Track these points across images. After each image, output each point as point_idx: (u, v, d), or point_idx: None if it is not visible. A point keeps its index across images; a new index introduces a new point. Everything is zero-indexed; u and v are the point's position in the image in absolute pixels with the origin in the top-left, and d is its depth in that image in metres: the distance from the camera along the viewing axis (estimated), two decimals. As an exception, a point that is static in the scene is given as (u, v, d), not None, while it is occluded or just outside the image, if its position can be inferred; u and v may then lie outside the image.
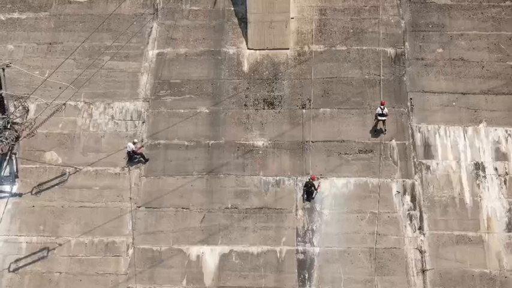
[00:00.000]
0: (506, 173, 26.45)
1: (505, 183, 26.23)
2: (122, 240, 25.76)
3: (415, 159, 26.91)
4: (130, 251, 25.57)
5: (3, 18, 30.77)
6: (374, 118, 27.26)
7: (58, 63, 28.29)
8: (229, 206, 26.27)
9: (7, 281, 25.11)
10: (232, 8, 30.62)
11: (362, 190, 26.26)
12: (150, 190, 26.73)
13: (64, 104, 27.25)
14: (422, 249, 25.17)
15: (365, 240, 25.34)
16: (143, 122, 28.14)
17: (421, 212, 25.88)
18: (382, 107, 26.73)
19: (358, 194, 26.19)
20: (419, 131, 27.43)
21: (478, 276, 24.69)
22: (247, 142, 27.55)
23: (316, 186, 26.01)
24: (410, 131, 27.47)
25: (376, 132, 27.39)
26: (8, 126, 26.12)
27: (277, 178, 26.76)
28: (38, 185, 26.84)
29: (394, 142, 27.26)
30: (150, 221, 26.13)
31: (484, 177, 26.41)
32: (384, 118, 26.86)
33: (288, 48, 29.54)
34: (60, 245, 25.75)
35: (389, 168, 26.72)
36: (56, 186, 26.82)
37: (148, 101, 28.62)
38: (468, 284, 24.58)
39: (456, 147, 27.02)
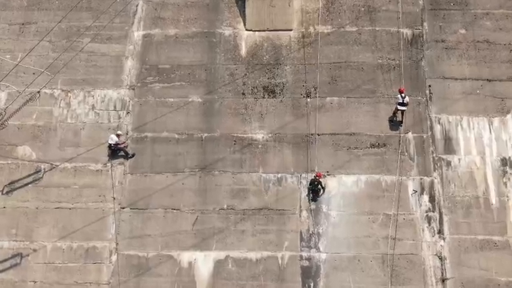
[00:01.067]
0: (536, 169, 26.47)
1: (535, 181, 26.27)
2: (104, 245, 25.71)
3: (434, 155, 26.76)
4: (114, 258, 25.54)
5: (-30, -4, 30.72)
6: (394, 107, 27.00)
7: (32, 45, 28.41)
8: (225, 206, 26.22)
9: (-25, 291, 25.22)
10: (228, -16, 30.52)
11: (374, 189, 26.22)
12: (135, 189, 26.67)
13: (38, 92, 27.30)
14: (442, 255, 25.16)
15: (377, 245, 25.32)
16: (128, 113, 28.10)
17: (440, 213, 25.78)
18: (402, 95, 26.42)
19: (370, 193, 26.17)
20: (439, 123, 27.31)
21: (505, 286, 24.73)
22: (245, 135, 27.47)
23: (323, 185, 25.85)
24: (428, 123, 27.36)
25: (393, 123, 27.26)
26: (-25, 118, 26.23)
27: (279, 175, 26.65)
28: (9, 184, 26.84)
29: (410, 135, 27.16)
30: (135, 223, 26.06)
31: (512, 174, 26.32)
32: (404, 108, 26.66)
33: (291, 29, 29.51)
34: (34, 250, 25.74)
35: (405, 164, 26.62)
36: (30, 185, 26.80)
37: (133, 89, 28.54)
38: (493, 294, 24.59)
39: (480, 141, 26.96)
